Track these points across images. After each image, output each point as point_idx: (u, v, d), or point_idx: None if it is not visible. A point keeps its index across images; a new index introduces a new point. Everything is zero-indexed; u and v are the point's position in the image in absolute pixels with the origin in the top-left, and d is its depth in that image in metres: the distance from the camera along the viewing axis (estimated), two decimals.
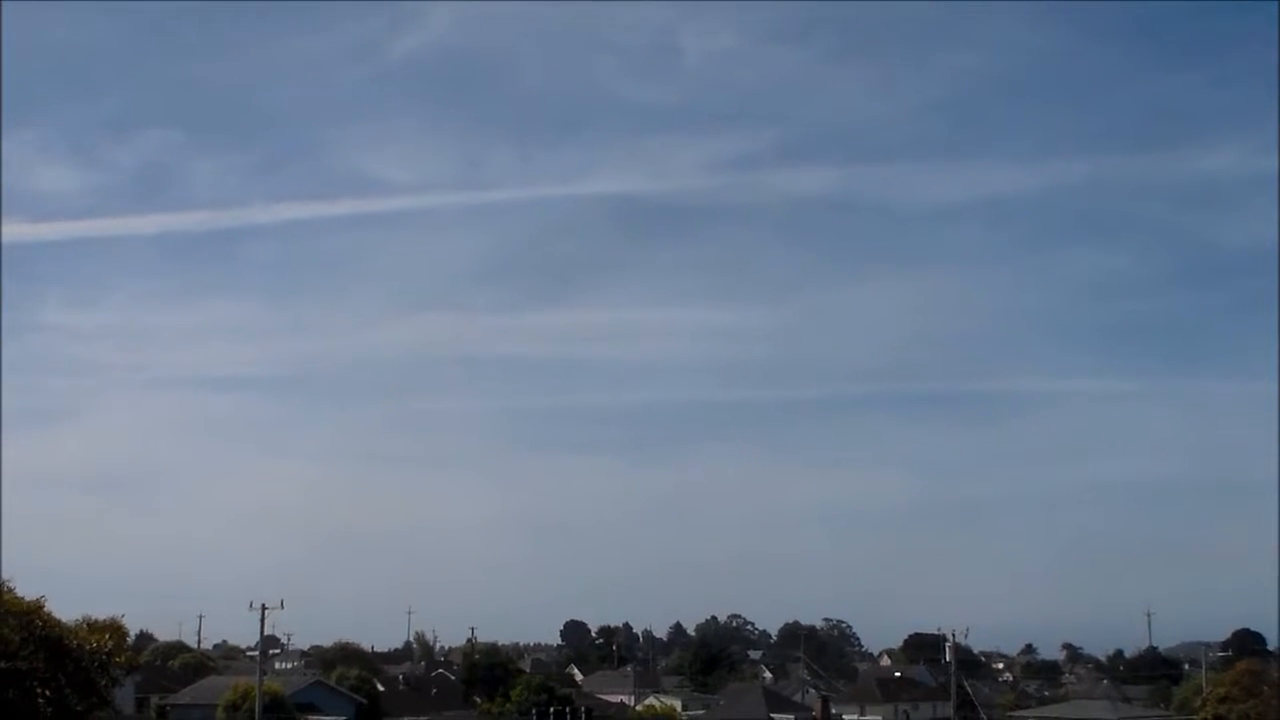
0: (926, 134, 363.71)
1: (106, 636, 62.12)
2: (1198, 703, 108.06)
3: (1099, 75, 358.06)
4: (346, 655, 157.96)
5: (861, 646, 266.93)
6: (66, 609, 66.34)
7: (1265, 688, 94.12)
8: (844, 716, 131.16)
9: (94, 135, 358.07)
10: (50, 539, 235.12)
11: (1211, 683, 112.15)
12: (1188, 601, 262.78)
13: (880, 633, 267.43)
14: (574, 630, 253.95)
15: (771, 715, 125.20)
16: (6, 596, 58.62)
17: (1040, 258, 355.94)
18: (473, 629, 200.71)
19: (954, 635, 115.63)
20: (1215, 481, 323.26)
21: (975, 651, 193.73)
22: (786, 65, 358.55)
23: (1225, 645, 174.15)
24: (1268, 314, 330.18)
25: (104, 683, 62.05)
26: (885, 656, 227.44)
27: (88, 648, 60.58)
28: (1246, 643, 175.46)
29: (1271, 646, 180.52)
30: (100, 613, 65.14)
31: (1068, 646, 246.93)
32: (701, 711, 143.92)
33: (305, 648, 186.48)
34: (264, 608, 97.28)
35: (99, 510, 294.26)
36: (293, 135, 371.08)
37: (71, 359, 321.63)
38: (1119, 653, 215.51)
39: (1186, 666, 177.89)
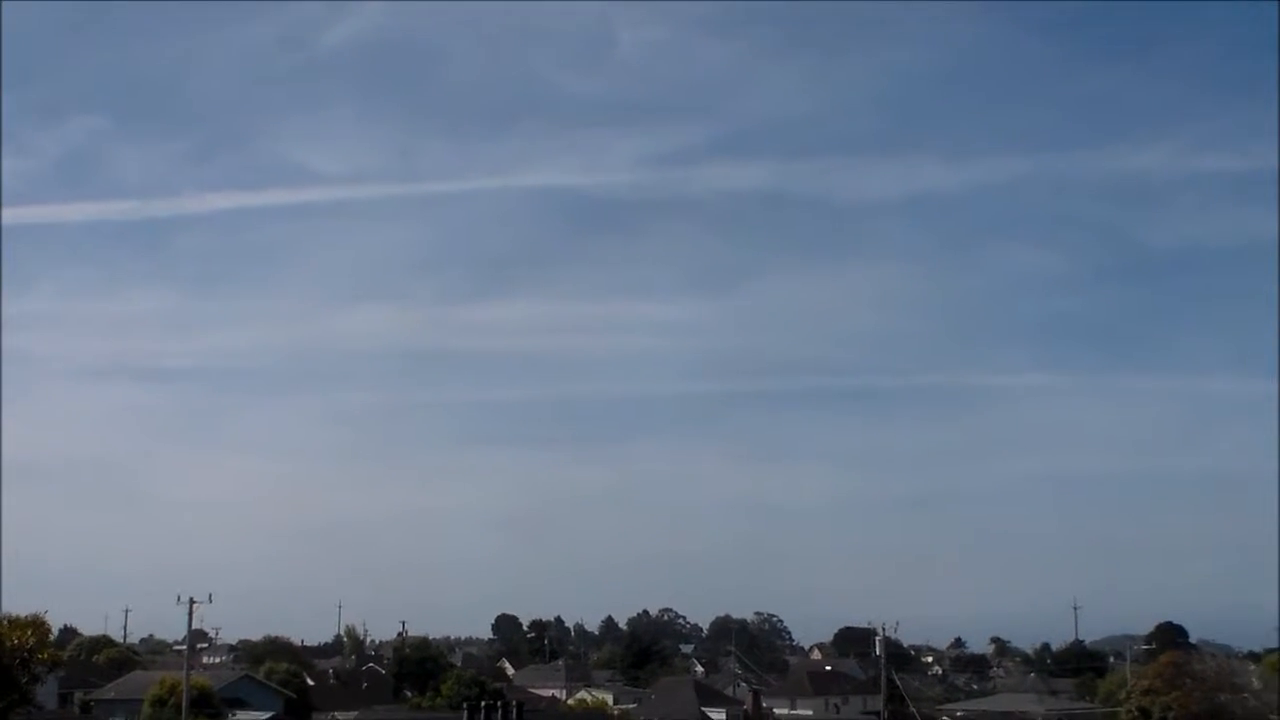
0: (861, 129, 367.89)
1: (28, 633, 61.27)
2: (1122, 695, 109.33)
3: (1031, 72, 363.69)
4: (275, 649, 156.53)
5: (792, 640, 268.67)
6: None
7: (1188, 680, 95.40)
8: (775, 710, 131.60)
9: (20, 122, 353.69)
10: None
11: (1136, 675, 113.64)
12: (1113, 595, 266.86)
13: (811, 627, 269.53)
14: (505, 624, 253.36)
15: (703, 709, 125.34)
16: None
17: (973, 253, 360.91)
18: (403, 623, 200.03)
19: (884, 629, 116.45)
20: (1142, 476, 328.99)
21: (905, 645, 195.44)
22: (721, 59, 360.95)
23: (1149, 639, 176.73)
24: (1197, 311, 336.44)
25: (25, 680, 61.20)
26: (816, 650, 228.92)
27: (9, 645, 59.69)
28: (1169, 636, 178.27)
29: (1194, 639, 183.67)
30: (22, 608, 64.21)
31: (996, 640, 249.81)
32: (633, 705, 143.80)
33: (234, 642, 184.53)
34: (192, 601, 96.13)
35: (23, 502, 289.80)
36: (223, 124, 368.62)
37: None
38: (1046, 646, 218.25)
39: (1112, 659, 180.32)
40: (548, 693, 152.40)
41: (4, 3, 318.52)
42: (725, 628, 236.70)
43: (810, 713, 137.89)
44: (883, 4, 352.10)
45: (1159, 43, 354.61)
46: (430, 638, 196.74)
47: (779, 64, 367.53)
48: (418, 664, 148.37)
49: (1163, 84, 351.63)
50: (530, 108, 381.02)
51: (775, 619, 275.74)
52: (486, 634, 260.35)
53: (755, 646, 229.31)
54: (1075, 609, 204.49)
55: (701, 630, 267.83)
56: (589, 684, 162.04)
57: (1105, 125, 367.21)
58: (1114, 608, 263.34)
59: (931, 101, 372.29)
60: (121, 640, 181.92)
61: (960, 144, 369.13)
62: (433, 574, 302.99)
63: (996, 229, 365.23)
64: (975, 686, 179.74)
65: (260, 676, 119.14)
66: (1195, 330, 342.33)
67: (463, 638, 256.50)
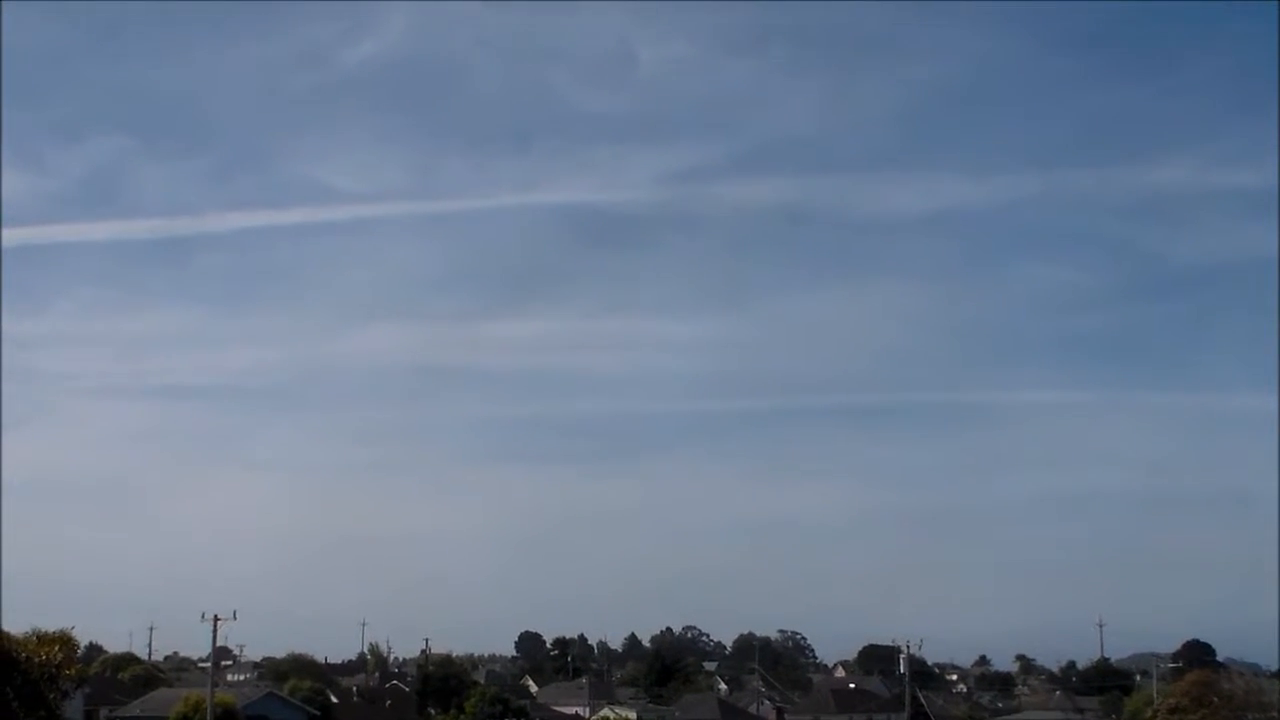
0: (880, 145, 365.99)
1: (56, 649, 61.48)
2: (1148, 713, 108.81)
3: (1051, 87, 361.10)
4: (300, 666, 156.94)
5: (816, 658, 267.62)
6: (15, 621, 65.74)
7: (1215, 698, 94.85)
8: None
9: (42, 141, 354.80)
10: None
11: (1162, 693, 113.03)
12: (1139, 612, 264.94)
13: (835, 644, 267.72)
14: (529, 641, 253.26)
15: None
16: None
17: (994, 270, 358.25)
18: (427, 640, 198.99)
19: (908, 646, 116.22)
20: (1166, 493, 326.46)
21: (929, 663, 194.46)
22: (741, 76, 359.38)
23: (1176, 656, 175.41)
24: (1219, 327, 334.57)
25: (53, 696, 61.43)
26: (840, 668, 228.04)
27: (37, 660, 59.95)
28: (1196, 653, 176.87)
29: (1221, 657, 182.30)
30: (49, 624, 64.49)
31: (1021, 658, 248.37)
32: None
33: (258, 659, 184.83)
34: (216, 619, 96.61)
35: (48, 520, 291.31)
36: (244, 143, 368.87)
37: (20, 367, 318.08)
38: (1071, 664, 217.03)
39: (1138, 677, 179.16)
40: (571, 710, 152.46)
41: (21, 21, 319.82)
42: (749, 645, 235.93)
43: None
44: (901, 21, 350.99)
45: (1178, 59, 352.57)
46: (454, 655, 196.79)
47: (798, 81, 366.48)
48: (441, 681, 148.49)
49: (1182, 100, 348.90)
50: (549, 125, 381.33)
51: (799, 636, 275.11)
52: (510, 651, 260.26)
53: (779, 664, 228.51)
54: (1100, 626, 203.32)
55: (725, 648, 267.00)
56: (612, 701, 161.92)
57: (1124, 141, 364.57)
58: (1140, 625, 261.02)
59: (951, 118, 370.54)
60: (146, 657, 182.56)
61: (979, 160, 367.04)
62: (456, 591, 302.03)
63: (1015, 245, 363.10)
64: (1000, 705, 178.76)
65: (284, 694, 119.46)
66: (1217, 346, 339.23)
67: (486, 655, 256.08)
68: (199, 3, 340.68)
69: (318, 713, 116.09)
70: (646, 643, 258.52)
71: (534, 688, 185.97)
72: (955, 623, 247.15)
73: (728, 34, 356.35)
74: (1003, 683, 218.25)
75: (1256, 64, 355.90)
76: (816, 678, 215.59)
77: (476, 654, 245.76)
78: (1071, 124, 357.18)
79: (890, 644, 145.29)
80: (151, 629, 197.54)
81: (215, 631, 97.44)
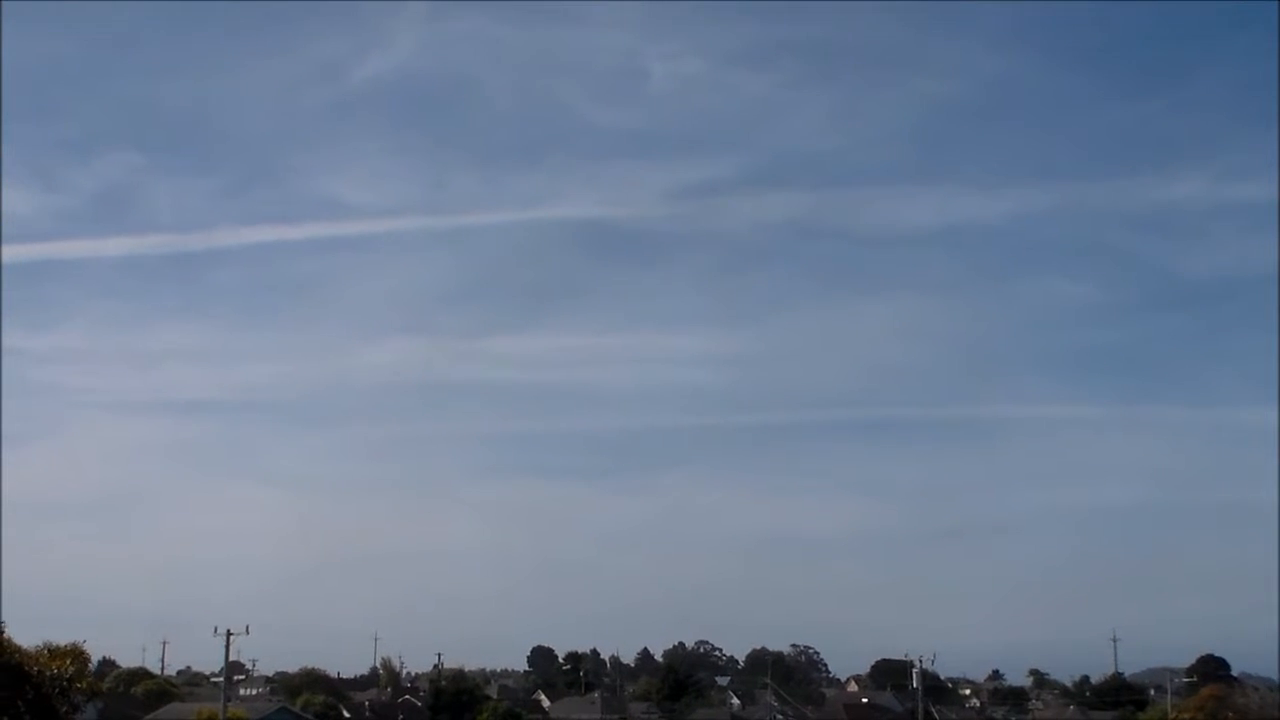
0: (893, 160, 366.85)
1: (68, 662, 61.77)
2: None
3: (1064, 102, 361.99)
4: (312, 681, 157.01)
5: (829, 673, 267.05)
6: (27, 635, 65.94)
7: (1229, 713, 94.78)
8: None
9: (54, 157, 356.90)
10: (9, 564, 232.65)
11: (1176, 708, 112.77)
12: (1153, 627, 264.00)
13: (848, 659, 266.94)
14: (541, 656, 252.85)
15: None
16: None
17: (1007, 284, 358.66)
18: (439, 655, 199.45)
19: (921, 661, 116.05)
20: (1180, 507, 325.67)
21: (942, 677, 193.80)
22: (752, 90, 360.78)
23: (1190, 671, 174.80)
24: (1229, 341, 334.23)
25: (65, 709, 61.65)
26: (853, 683, 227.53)
27: (48, 674, 60.17)
28: (1211, 668, 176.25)
29: (1236, 672, 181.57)
30: (61, 639, 64.72)
31: (1034, 672, 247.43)
32: None
33: (270, 674, 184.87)
34: (229, 633, 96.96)
35: (60, 535, 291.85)
36: (256, 158, 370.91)
37: (32, 382, 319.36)
38: (1085, 678, 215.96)
39: (1152, 692, 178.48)
40: None
41: (32, 37, 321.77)
42: (761, 660, 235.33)
43: None
44: (914, 36, 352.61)
45: (1188, 74, 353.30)
46: (466, 670, 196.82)
47: (810, 96, 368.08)
48: (454, 696, 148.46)
49: (1192, 114, 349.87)
50: (560, 139, 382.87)
51: (812, 651, 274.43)
52: (522, 666, 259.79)
53: (791, 679, 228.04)
54: (1114, 640, 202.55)
55: (738, 662, 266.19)
56: (625, 716, 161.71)
57: (1134, 155, 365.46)
58: (1154, 639, 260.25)
59: (961, 132, 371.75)
60: (159, 672, 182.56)
61: (992, 175, 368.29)
62: (468, 606, 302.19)
63: (1027, 260, 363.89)
64: (1014, 719, 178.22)
65: (296, 708, 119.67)
66: (1227, 360, 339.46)
67: (498, 670, 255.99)
68: (211, 18, 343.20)
69: None
70: (659, 657, 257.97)
71: (546, 703, 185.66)
72: (968, 637, 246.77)
73: (738, 49, 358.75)
74: (1016, 697, 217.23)
75: (1265, 78, 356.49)
76: (829, 692, 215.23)
77: (489, 669, 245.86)
78: (1082, 139, 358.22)
79: (903, 658, 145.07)
80: (164, 643, 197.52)
81: (228, 646, 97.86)
